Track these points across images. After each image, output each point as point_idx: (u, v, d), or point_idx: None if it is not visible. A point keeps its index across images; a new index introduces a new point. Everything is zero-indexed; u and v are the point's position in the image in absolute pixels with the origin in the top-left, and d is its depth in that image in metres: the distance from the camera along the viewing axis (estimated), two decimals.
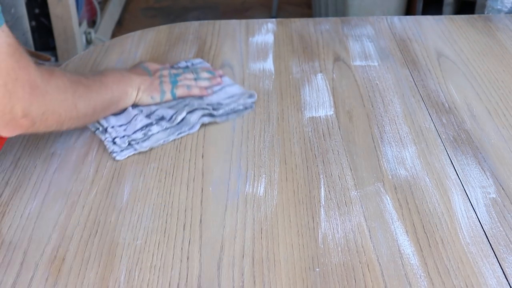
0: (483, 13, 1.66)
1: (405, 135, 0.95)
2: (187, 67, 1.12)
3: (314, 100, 1.04)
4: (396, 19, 1.33)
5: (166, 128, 0.95)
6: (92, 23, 2.73)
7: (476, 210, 0.80)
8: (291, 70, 1.13)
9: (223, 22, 1.32)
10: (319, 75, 1.11)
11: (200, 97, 1.03)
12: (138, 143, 0.92)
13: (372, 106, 1.02)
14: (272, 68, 1.14)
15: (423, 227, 0.77)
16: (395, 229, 0.77)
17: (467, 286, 0.69)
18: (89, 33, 2.55)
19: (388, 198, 0.82)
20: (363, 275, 0.71)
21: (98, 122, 0.96)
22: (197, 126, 0.97)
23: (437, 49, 1.20)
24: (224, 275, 0.71)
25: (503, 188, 0.84)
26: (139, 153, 0.92)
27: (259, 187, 0.84)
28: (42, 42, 2.40)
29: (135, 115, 0.96)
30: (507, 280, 0.70)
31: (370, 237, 0.76)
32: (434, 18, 1.34)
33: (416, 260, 0.73)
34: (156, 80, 1.02)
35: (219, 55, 1.19)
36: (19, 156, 0.92)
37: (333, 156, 0.90)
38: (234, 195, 0.83)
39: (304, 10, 3.22)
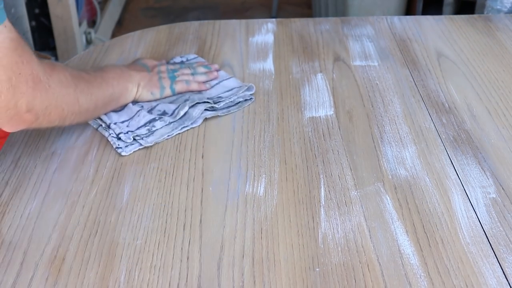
0: (483, 13, 1.66)
1: (405, 135, 0.95)
2: (182, 62, 1.13)
3: (314, 100, 1.04)
4: (396, 19, 1.33)
5: (170, 123, 0.96)
6: (92, 23, 2.73)
7: (476, 210, 0.80)
8: (291, 70, 1.13)
9: (223, 22, 1.32)
10: (319, 75, 1.11)
11: (199, 92, 1.03)
12: (142, 138, 0.93)
13: (372, 106, 1.02)
14: (272, 68, 1.14)
15: (423, 227, 0.77)
16: (395, 229, 0.77)
17: (467, 286, 0.69)
18: (89, 33, 2.55)
19: (388, 198, 0.82)
20: (363, 275, 0.71)
21: (100, 119, 0.96)
22: (200, 121, 0.97)
23: (437, 49, 1.20)
24: (224, 275, 0.71)
25: (503, 188, 0.84)
26: (139, 153, 0.92)
27: (259, 187, 0.84)
28: (42, 42, 2.40)
29: (138, 111, 0.96)
30: (507, 280, 0.70)
31: (370, 237, 0.76)
32: (434, 18, 1.33)
33: (416, 260, 0.73)
34: (155, 76, 1.03)
35: (219, 55, 1.19)
36: (19, 156, 0.92)
37: (333, 156, 0.90)
38: (234, 195, 0.83)
39: (304, 10, 3.22)
